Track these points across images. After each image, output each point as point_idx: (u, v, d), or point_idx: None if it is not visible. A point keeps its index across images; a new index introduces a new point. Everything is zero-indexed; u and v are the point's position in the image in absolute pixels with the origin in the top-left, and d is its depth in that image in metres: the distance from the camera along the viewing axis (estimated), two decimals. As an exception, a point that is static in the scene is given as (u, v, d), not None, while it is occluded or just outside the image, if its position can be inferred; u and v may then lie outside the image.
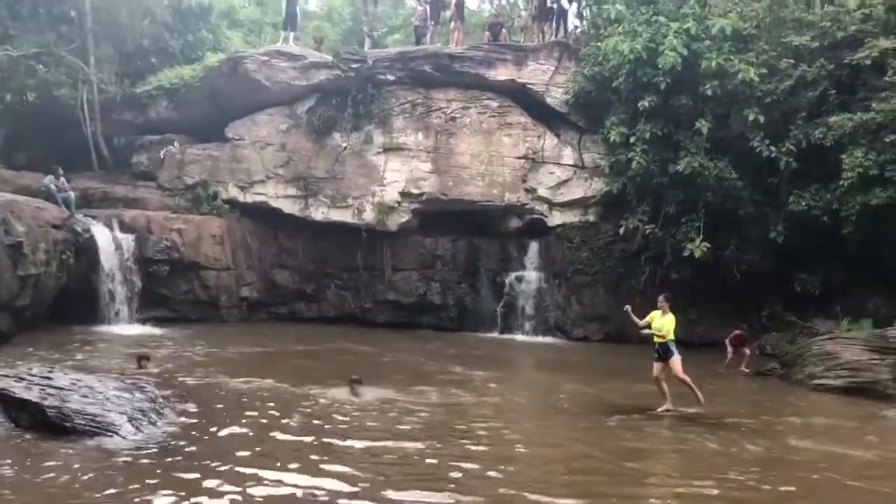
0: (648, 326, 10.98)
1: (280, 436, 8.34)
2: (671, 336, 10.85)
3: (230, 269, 20.28)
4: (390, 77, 21.42)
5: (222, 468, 7.03)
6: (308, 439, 8.23)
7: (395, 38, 31.44)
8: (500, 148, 21.08)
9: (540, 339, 20.33)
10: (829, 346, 14.16)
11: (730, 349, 15.85)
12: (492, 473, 7.22)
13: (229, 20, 31.58)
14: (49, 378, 8.48)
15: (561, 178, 21.14)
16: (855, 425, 10.66)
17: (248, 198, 21.53)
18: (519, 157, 21.08)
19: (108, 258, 17.66)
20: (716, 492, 7.03)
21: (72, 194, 17.94)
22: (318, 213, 21.35)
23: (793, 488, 7.27)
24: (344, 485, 6.68)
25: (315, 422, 9.10)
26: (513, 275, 21.33)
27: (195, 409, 9.28)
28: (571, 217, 21.23)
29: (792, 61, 18.30)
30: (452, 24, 23.21)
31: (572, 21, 23.46)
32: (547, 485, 7.00)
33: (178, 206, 20.49)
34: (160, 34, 24.32)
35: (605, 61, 19.96)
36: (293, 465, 7.23)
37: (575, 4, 23.83)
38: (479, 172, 21.07)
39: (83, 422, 7.78)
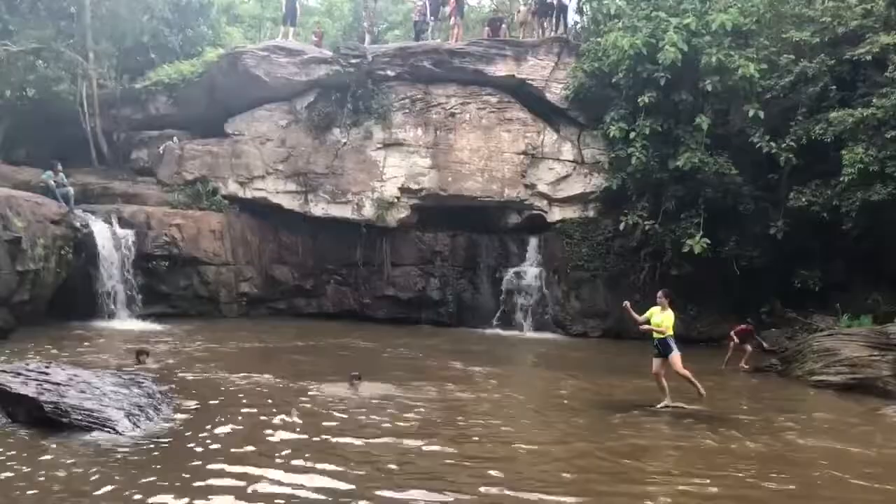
0: (648, 322, 10.95)
1: (279, 432, 8.30)
2: (670, 332, 10.83)
3: (229, 265, 20.28)
4: (390, 73, 21.39)
5: (220, 464, 7.00)
6: (306, 435, 8.20)
7: (394, 34, 31.40)
8: (500, 143, 21.06)
9: (539, 334, 20.28)
10: (829, 342, 14.15)
11: (734, 342, 15.55)
12: (491, 472, 7.18)
13: (229, 16, 31.62)
14: (46, 373, 8.45)
15: (560, 173, 21.13)
16: (855, 422, 10.64)
17: (248, 193, 21.51)
18: (518, 153, 21.05)
19: (107, 254, 17.66)
20: (716, 489, 6.99)
21: (71, 190, 17.92)
22: (318, 208, 21.34)
23: (793, 486, 7.24)
24: (342, 482, 6.64)
25: (314, 418, 9.06)
26: (512, 271, 21.32)
27: (193, 405, 9.26)
28: (571, 213, 21.25)
29: (792, 57, 18.29)
30: (452, 19, 23.25)
31: (572, 16, 23.46)
32: (546, 483, 6.96)
33: (177, 202, 20.48)
34: (159, 29, 24.34)
35: (604, 57, 19.96)
36: (292, 462, 7.19)
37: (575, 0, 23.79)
38: (478, 168, 21.06)
39: (80, 417, 7.74)
